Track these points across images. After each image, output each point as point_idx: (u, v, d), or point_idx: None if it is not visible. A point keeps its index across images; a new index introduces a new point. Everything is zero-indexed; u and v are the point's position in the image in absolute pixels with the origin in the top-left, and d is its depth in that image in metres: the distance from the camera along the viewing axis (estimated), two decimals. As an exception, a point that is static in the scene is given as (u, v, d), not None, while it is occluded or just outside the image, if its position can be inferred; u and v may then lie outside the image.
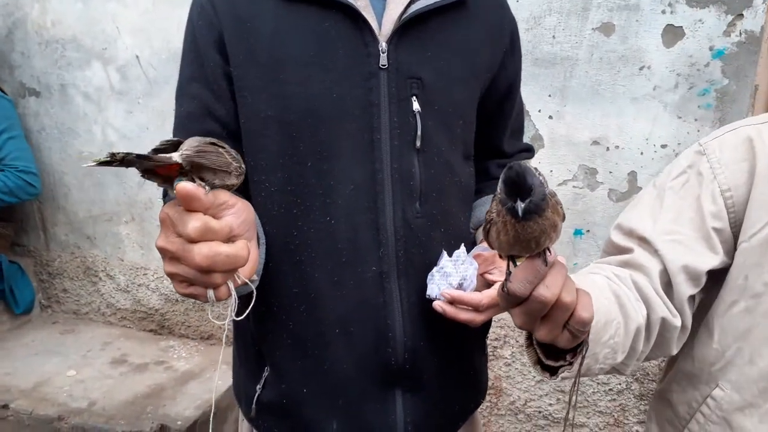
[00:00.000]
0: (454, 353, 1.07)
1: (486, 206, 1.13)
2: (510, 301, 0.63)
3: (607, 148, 1.91)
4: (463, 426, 1.15)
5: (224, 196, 0.65)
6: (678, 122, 1.82)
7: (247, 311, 0.78)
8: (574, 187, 1.99)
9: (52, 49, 2.62)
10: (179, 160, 0.62)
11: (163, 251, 0.64)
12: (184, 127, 1.01)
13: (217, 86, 0.96)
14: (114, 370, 2.50)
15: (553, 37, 1.87)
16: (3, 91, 2.58)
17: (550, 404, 2.22)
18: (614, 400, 2.14)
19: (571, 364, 0.76)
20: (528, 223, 0.58)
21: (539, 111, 1.95)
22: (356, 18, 0.91)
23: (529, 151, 1.27)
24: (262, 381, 1.05)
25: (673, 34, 1.76)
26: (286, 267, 0.98)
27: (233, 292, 0.67)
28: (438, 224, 1.00)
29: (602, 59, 1.84)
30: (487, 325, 1.16)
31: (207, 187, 0.64)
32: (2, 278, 2.72)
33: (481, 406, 2.32)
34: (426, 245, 0.99)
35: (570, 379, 0.78)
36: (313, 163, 0.94)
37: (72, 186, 2.81)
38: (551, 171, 2.00)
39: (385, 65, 0.93)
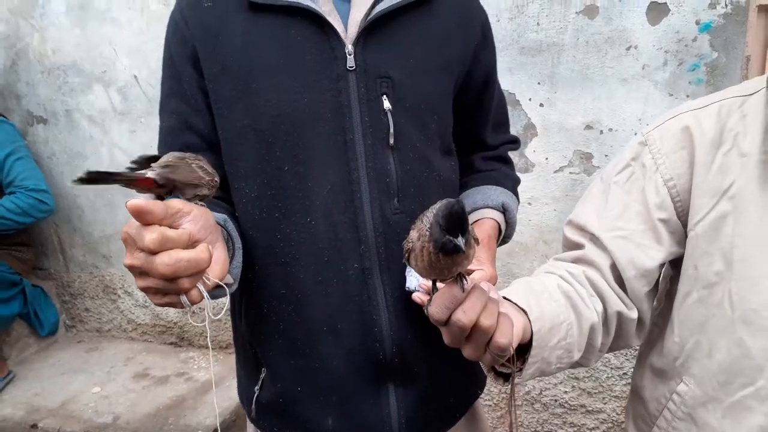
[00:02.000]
0: (444, 346, 1.08)
1: (471, 198, 1.15)
2: (434, 323, 0.67)
3: (601, 132, 1.91)
4: (464, 418, 1.16)
5: (177, 204, 0.68)
6: (670, 100, 1.80)
7: (223, 311, 0.80)
8: (570, 173, 1.99)
9: (54, 76, 2.69)
10: (151, 176, 0.67)
11: (131, 268, 0.66)
12: (165, 142, 1.04)
13: (194, 100, 0.99)
14: (137, 384, 2.56)
15: (538, 24, 1.87)
16: (4, 117, 2.65)
17: (566, 392, 2.22)
18: (630, 383, 2.12)
19: (521, 370, 0.78)
20: (445, 257, 0.61)
21: (530, 99, 1.95)
22: (321, 23, 0.93)
23: (514, 143, 1.27)
24: (260, 382, 1.08)
25: (657, 11, 1.74)
26: (272, 269, 1.00)
27: (205, 294, 0.70)
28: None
29: (588, 43, 1.83)
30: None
31: (166, 197, 0.68)
32: (26, 302, 2.80)
33: (496, 398, 2.33)
34: None
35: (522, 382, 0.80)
36: (290, 167, 0.96)
37: (85, 208, 2.89)
38: (546, 158, 2.00)
39: (352, 67, 0.94)
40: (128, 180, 0.70)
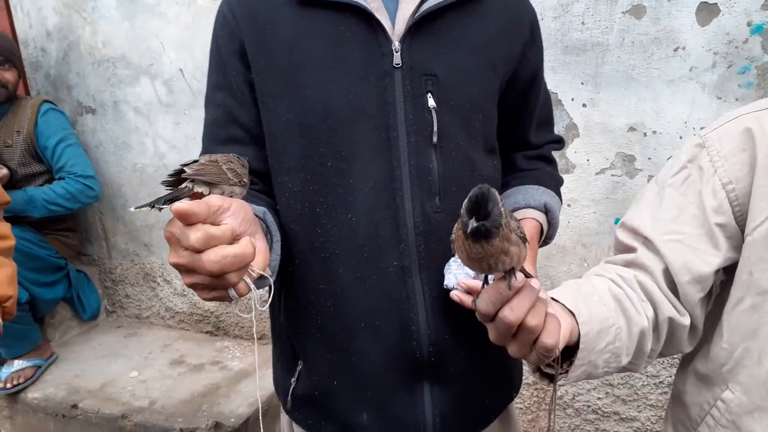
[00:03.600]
0: (482, 346, 1.06)
1: (513, 198, 1.14)
2: (480, 318, 0.67)
3: (645, 134, 1.87)
4: (498, 419, 1.15)
5: (217, 201, 0.69)
6: (718, 103, 1.75)
7: (269, 300, 0.82)
8: (612, 175, 1.96)
9: (104, 68, 2.77)
10: (196, 190, 0.73)
11: (176, 267, 0.68)
12: (211, 134, 1.07)
13: (240, 93, 1.01)
14: (173, 370, 2.63)
15: (583, 23, 1.84)
16: (55, 105, 2.75)
17: (599, 398, 2.19)
18: (666, 393, 2.08)
19: (566, 372, 0.78)
20: (474, 244, 0.61)
21: (572, 99, 1.92)
22: (370, 19, 0.94)
23: (558, 143, 1.25)
24: (296, 374, 1.10)
25: (707, 11, 1.70)
26: (312, 264, 1.01)
27: (252, 287, 0.71)
28: (458, 218, 1.01)
29: (634, 43, 1.80)
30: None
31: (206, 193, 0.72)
32: (70, 286, 2.89)
33: (528, 401, 2.31)
34: (446, 240, 0.98)
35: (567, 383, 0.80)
36: (333, 163, 0.97)
37: (129, 197, 2.97)
38: (588, 160, 1.97)
39: (399, 64, 0.95)
40: (183, 197, 0.74)
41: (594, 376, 0.83)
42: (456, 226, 0.65)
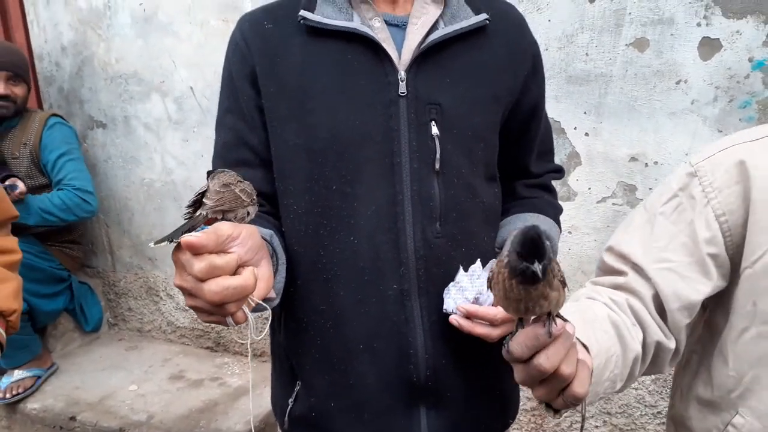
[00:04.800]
0: (479, 372, 1.08)
1: (512, 225, 1.15)
2: (510, 360, 0.66)
3: (646, 164, 1.89)
4: None
5: (227, 230, 0.72)
6: (719, 136, 1.78)
7: (265, 332, 0.83)
8: (613, 204, 1.98)
9: (116, 84, 2.82)
10: (210, 215, 0.76)
11: (180, 289, 0.71)
12: (221, 156, 1.09)
13: (251, 118, 1.04)
14: (172, 385, 2.63)
15: (587, 54, 1.88)
16: (63, 120, 2.78)
17: (597, 426, 2.18)
18: (663, 423, 2.07)
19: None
20: (517, 285, 0.59)
21: (575, 128, 1.95)
22: (377, 49, 0.97)
23: (558, 172, 1.27)
24: (294, 394, 1.10)
25: (709, 46, 1.73)
26: (314, 285, 1.03)
27: (249, 317, 0.74)
28: (459, 244, 1.03)
29: (637, 75, 1.83)
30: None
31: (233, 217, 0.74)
32: (73, 298, 2.91)
33: (526, 427, 2.30)
34: (447, 264, 1.01)
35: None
36: (337, 187, 0.99)
37: (135, 211, 3.00)
38: (589, 188, 1.99)
39: (404, 93, 0.97)
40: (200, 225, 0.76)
41: (589, 403, 0.84)
42: (499, 263, 0.62)
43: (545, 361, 0.63)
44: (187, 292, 0.70)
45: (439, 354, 1.02)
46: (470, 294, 0.97)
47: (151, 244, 0.69)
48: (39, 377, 2.63)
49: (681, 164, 0.92)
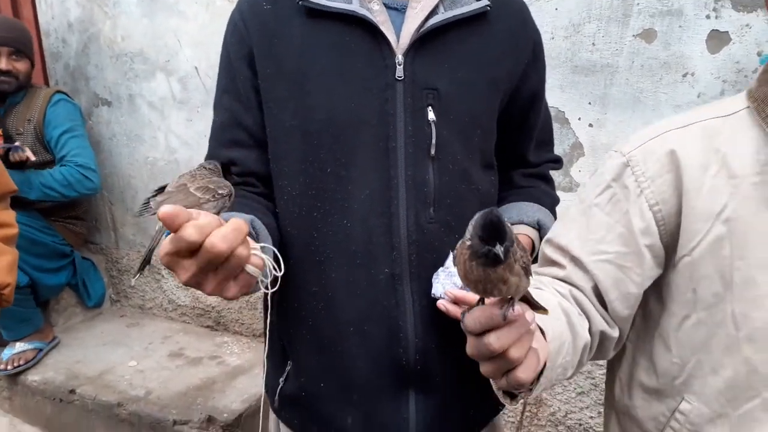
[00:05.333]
0: (469, 358, 1.09)
1: (507, 213, 1.15)
2: (464, 330, 0.67)
3: (649, 157, 1.88)
4: None
5: (201, 215, 0.68)
6: (724, 130, 1.76)
7: (278, 283, 0.80)
8: (614, 195, 1.96)
9: (121, 62, 2.82)
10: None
11: (190, 283, 0.67)
12: (216, 136, 1.10)
13: (246, 98, 1.04)
14: (171, 362, 2.66)
15: (593, 44, 1.86)
16: (68, 97, 2.79)
17: (591, 417, 2.19)
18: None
19: (530, 391, 0.77)
20: (477, 267, 0.60)
21: (579, 119, 1.93)
22: (375, 32, 0.96)
23: (557, 162, 1.27)
24: (285, 374, 1.12)
25: (718, 39, 1.71)
26: (306, 266, 1.03)
27: (261, 255, 0.71)
28: (452, 230, 1.03)
29: (644, 66, 1.81)
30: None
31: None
32: (75, 273, 2.94)
33: (521, 416, 2.31)
34: (439, 250, 1.01)
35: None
36: (332, 170, 0.99)
37: (139, 189, 3.01)
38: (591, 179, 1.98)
39: (401, 77, 0.97)
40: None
41: (540, 390, 0.84)
42: (460, 243, 0.63)
43: (495, 341, 0.64)
44: (195, 281, 0.67)
45: (428, 338, 1.02)
46: (458, 279, 0.97)
47: (133, 281, 0.70)
48: (40, 350, 2.66)
49: (611, 153, 0.90)
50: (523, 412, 0.83)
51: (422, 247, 1.00)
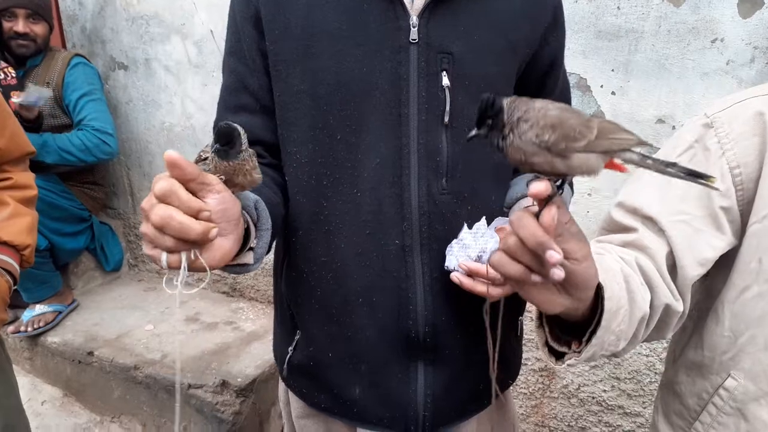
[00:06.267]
0: (478, 331, 1.07)
1: (521, 184, 1.12)
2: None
3: (674, 127, 1.81)
4: (492, 405, 1.15)
5: (212, 179, 0.69)
6: (754, 100, 1.69)
7: (195, 290, 0.79)
8: (636, 166, 1.91)
9: (137, 25, 2.79)
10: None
11: (142, 210, 0.67)
12: (223, 100, 1.08)
13: (252, 61, 1.01)
14: (187, 327, 2.69)
15: (618, 8, 1.78)
16: (86, 59, 2.78)
17: (604, 390, 2.17)
18: (673, 389, 2.06)
19: (579, 353, 0.76)
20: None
21: (601, 86, 1.87)
22: None
23: None
24: (294, 343, 1.11)
25: (750, 3, 1.62)
26: (315, 235, 1.02)
27: (183, 264, 0.68)
28: (465, 201, 1.00)
29: (670, 31, 1.73)
30: (521, 303, 1.15)
31: (211, 156, 0.72)
32: (93, 238, 2.97)
33: (533, 387, 2.31)
34: (451, 221, 0.99)
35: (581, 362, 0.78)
36: (342, 136, 0.96)
37: (156, 154, 3.01)
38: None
39: (415, 39, 0.93)
40: None
41: (593, 359, 0.82)
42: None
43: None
44: (144, 215, 0.67)
45: (438, 311, 1.01)
46: (473, 252, 0.95)
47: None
48: (60, 312, 2.71)
49: (694, 116, 0.88)
50: (493, 354, 0.81)
51: (434, 219, 0.98)
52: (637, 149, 0.62)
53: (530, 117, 0.60)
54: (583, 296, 0.68)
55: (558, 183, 0.64)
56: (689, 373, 0.92)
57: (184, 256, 0.67)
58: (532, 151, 0.60)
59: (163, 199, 0.64)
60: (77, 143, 2.56)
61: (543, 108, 0.61)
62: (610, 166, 0.64)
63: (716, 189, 0.68)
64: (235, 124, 0.76)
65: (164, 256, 0.67)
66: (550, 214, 0.59)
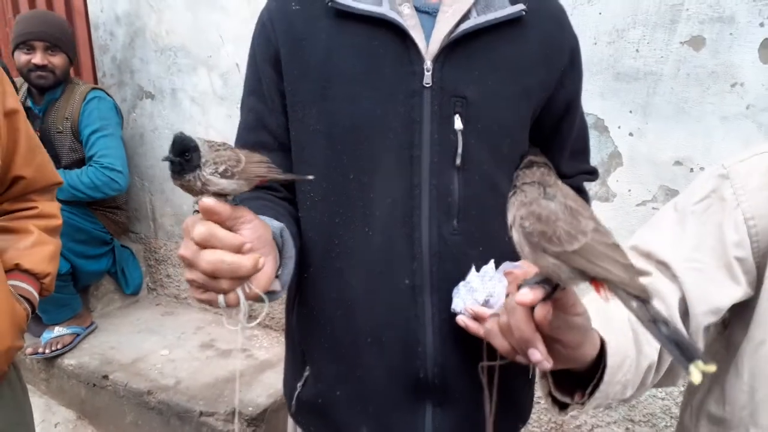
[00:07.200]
0: (488, 373, 1.07)
1: None
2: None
3: (691, 170, 1.80)
4: None
5: (242, 211, 0.72)
6: (774, 144, 1.67)
7: (256, 321, 0.82)
8: (653, 208, 1.89)
9: (165, 56, 2.88)
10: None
11: (182, 258, 0.70)
12: (241, 137, 1.10)
13: (271, 101, 1.04)
14: (202, 353, 2.70)
15: (637, 50, 1.79)
16: (105, 93, 2.84)
17: (620, 432, 2.13)
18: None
19: (582, 404, 0.76)
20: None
21: (619, 127, 1.87)
22: (404, 37, 0.94)
23: (592, 174, 1.22)
24: (303, 379, 1.11)
25: (771, 49, 1.63)
26: (326, 273, 1.03)
27: (242, 301, 0.71)
28: (476, 242, 1.00)
29: (690, 75, 1.73)
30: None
31: (230, 198, 0.72)
32: (115, 261, 3.02)
33: (546, 426, 2.26)
34: (462, 262, 0.99)
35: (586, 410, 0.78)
36: (355, 176, 0.98)
37: (178, 181, 3.06)
38: (629, 190, 1.91)
39: (429, 84, 0.94)
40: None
41: (598, 407, 0.81)
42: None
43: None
44: (186, 263, 0.69)
45: (447, 352, 1.00)
46: (480, 295, 0.95)
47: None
48: (78, 335, 2.75)
49: (712, 166, 0.88)
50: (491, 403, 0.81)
51: (444, 259, 0.98)
52: (625, 289, 0.60)
53: (530, 196, 0.61)
54: (578, 364, 0.69)
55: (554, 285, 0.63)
56: (709, 426, 0.90)
57: (240, 292, 0.70)
58: (516, 226, 0.61)
59: (204, 244, 0.66)
60: (86, 181, 2.61)
61: (552, 194, 0.61)
62: (596, 285, 0.62)
63: (693, 381, 0.65)
64: (195, 137, 0.72)
65: (221, 298, 0.69)
66: (543, 311, 0.60)
